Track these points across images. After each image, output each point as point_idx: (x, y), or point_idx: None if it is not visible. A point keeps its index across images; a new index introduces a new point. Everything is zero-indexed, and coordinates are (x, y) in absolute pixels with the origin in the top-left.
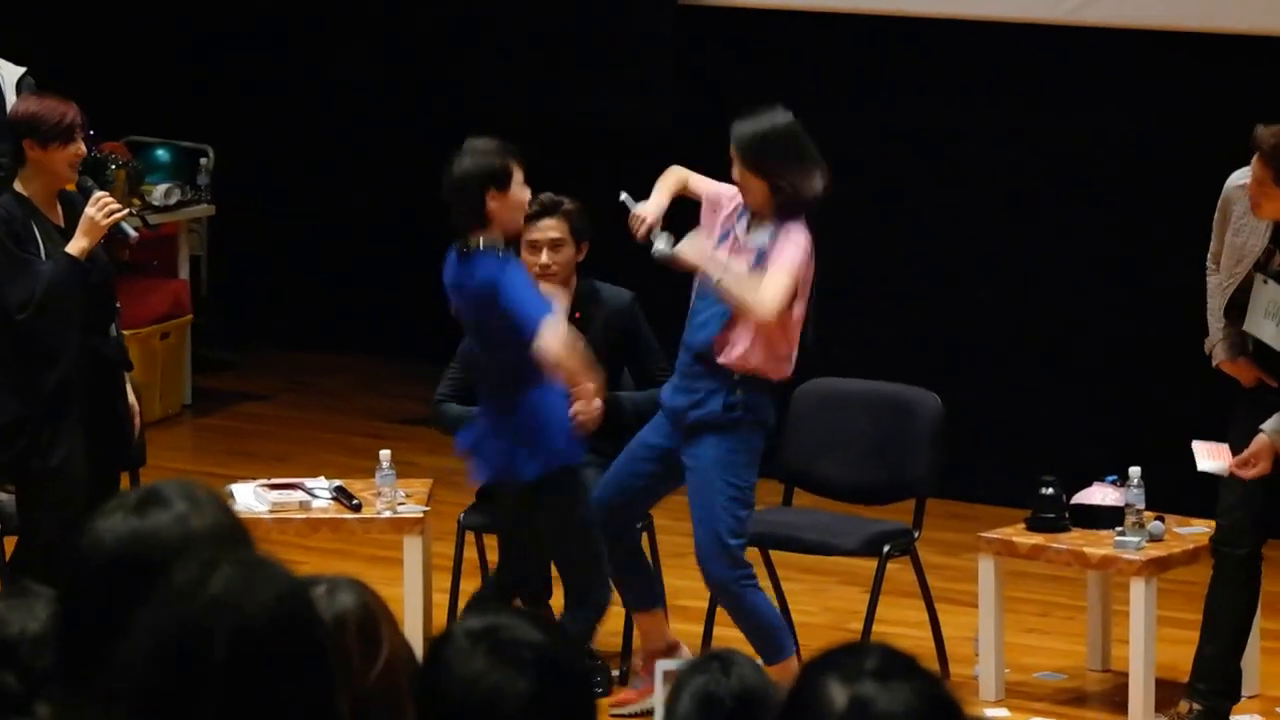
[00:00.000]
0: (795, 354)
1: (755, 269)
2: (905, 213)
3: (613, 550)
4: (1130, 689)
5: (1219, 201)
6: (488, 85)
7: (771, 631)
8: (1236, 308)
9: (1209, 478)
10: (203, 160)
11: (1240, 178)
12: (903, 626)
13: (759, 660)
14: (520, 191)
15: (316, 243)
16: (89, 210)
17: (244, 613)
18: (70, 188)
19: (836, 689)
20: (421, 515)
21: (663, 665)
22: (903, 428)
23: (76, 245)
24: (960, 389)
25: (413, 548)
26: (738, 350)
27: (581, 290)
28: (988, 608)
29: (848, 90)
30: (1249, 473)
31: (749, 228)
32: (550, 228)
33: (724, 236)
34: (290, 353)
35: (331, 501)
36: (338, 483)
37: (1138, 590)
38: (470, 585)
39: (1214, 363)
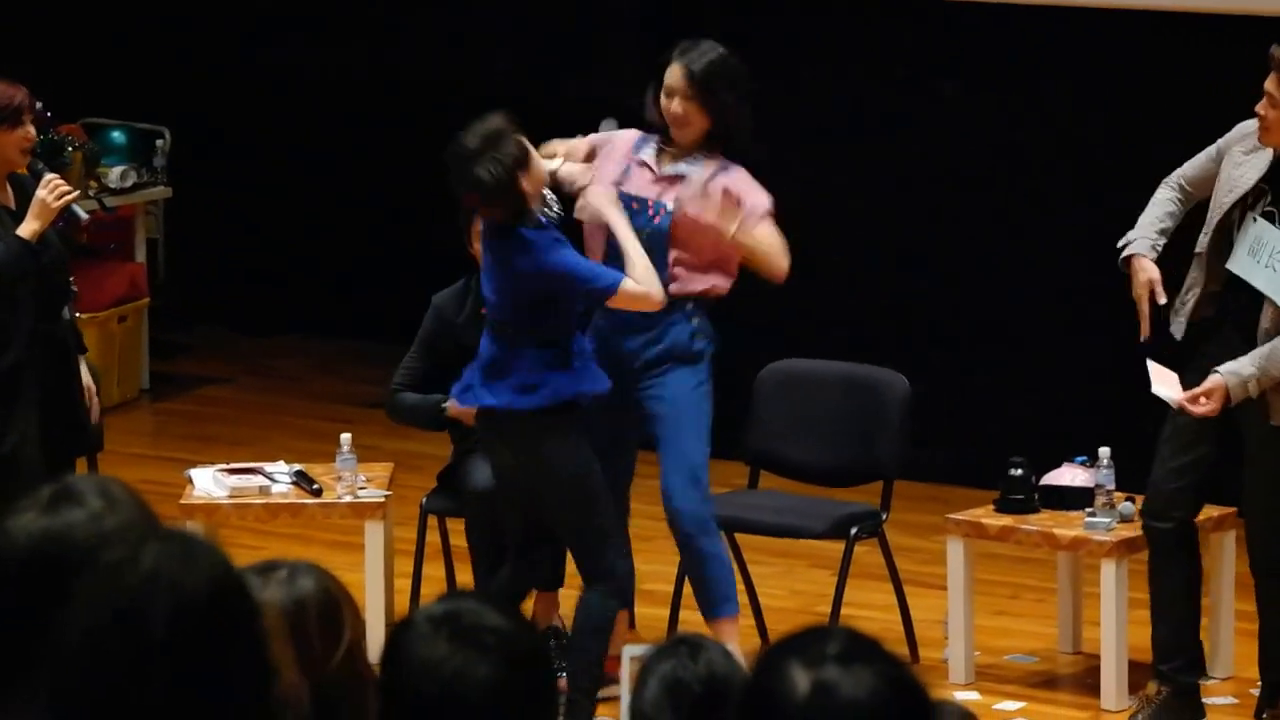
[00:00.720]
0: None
1: (684, 187)
2: (873, 192)
3: None
4: (1102, 671)
5: (1221, 139)
6: (455, 65)
7: (725, 582)
8: (1223, 238)
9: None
10: (159, 142)
11: (1249, 126)
12: (871, 609)
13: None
14: (539, 164)
15: (274, 224)
16: (40, 193)
17: (181, 588)
18: (21, 171)
19: (799, 674)
20: (383, 500)
21: (629, 651)
22: (870, 409)
23: (28, 228)
24: (928, 369)
25: (374, 533)
26: (690, 278)
27: None
28: (957, 590)
29: (820, 70)
30: (1198, 409)
31: (658, 157)
32: None
33: (625, 169)
34: (249, 336)
35: (291, 486)
36: (298, 467)
37: (1108, 572)
38: (433, 570)
39: (1121, 256)
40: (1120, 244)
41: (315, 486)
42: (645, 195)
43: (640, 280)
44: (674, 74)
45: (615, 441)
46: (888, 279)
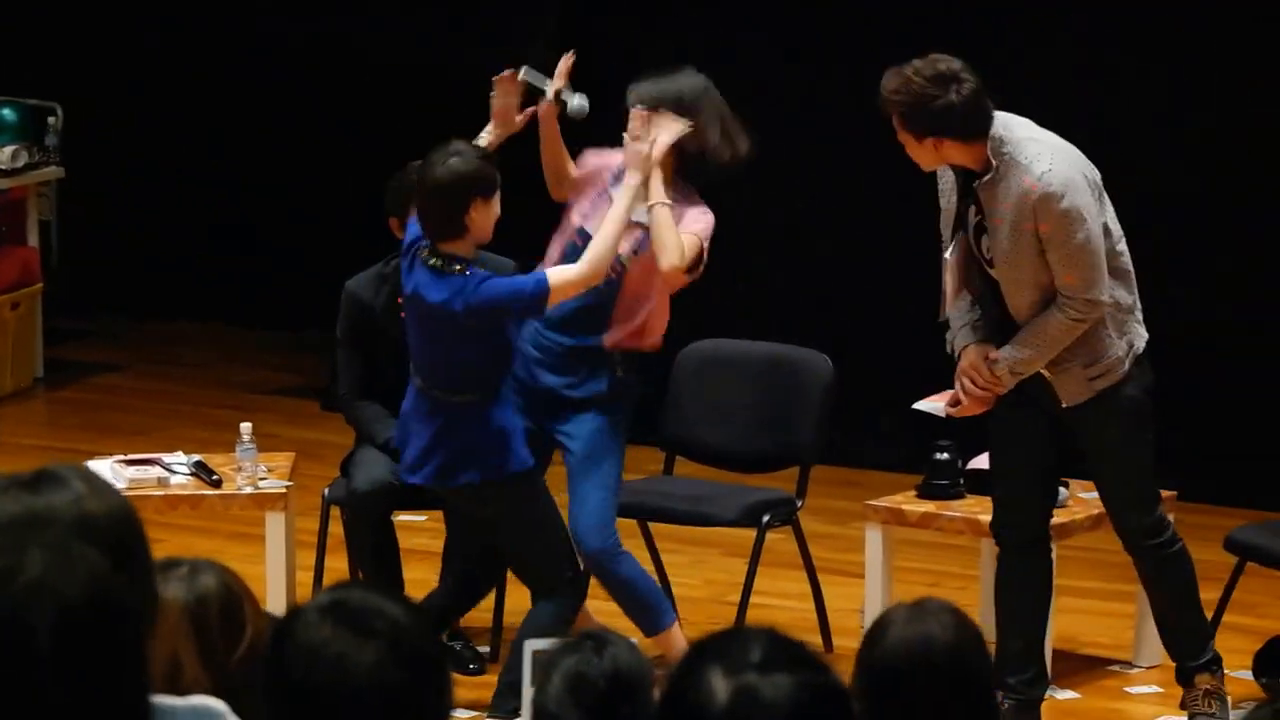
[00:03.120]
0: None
1: (643, 242)
2: (795, 170)
3: None
4: None
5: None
6: (359, 37)
7: (649, 601)
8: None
9: None
10: (51, 119)
11: None
12: (785, 599)
13: (638, 636)
14: (497, 205)
15: (171, 206)
16: None
17: (63, 596)
18: None
19: (719, 680)
20: (284, 490)
21: (531, 645)
22: (791, 391)
23: None
24: (852, 349)
25: (275, 524)
26: (619, 331)
27: None
28: (874, 578)
29: (742, 47)
30: (968, 400)
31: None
32: None
33: (594, 203)
34: (145, 322)
35: (190, 477)
36: (197, 457)
37: None
38: (336, 562)
39: (957, 351)
40: (949, 346)
41: (215, 477)
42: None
43: (582, 262)
44: (630, 98)
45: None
46: (810, 257)
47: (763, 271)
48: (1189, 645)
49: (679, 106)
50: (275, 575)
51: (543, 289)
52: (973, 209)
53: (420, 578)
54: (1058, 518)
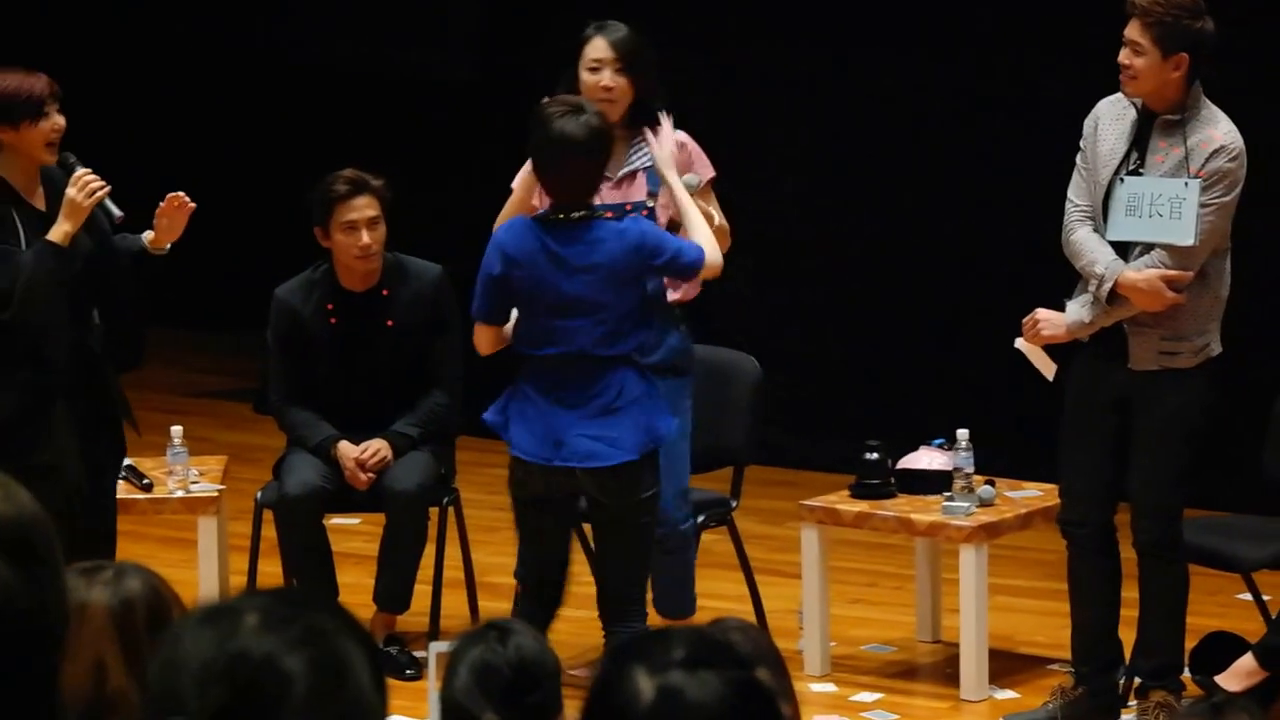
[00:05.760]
0: None
1: (659, 189)
2: (727, 173)
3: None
4: (962, 660)
5: (1085, 128)
6: (289, 35)
7: (692, 584)
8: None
9: (1039, 439)
10: None
11: (1102, 105)
12: (723, 600)
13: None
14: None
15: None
16: (70, 191)
17: None
18: (49, 164)
19: (644, 679)
20: (216, 494)
21: (435, 647)
22: (720, 393)
23: (58, 230)
24: (781, 351)
25: (207, 528)
26: (681, 287)
27: (389, 265)
28: (811, 578)
29: (670, 41)
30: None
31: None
32: (366, 205)
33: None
34: None
35: (121, 481)
36: (127, 461)
37: (968, 557)
38: (269, 566)
39: (1106, 285)
40: (1100, 275)
41: (145, 481)
42: (616, 203)
43: (711, 250)
44: (599, 47)
45: None
46: (740, 260)
47: None
48: (1153, 661)
49: (637, 50)
50: (208, 580)
51: (700, 259)
52: (1134, 155)
53: (354, 581)
54: (983, 519)
